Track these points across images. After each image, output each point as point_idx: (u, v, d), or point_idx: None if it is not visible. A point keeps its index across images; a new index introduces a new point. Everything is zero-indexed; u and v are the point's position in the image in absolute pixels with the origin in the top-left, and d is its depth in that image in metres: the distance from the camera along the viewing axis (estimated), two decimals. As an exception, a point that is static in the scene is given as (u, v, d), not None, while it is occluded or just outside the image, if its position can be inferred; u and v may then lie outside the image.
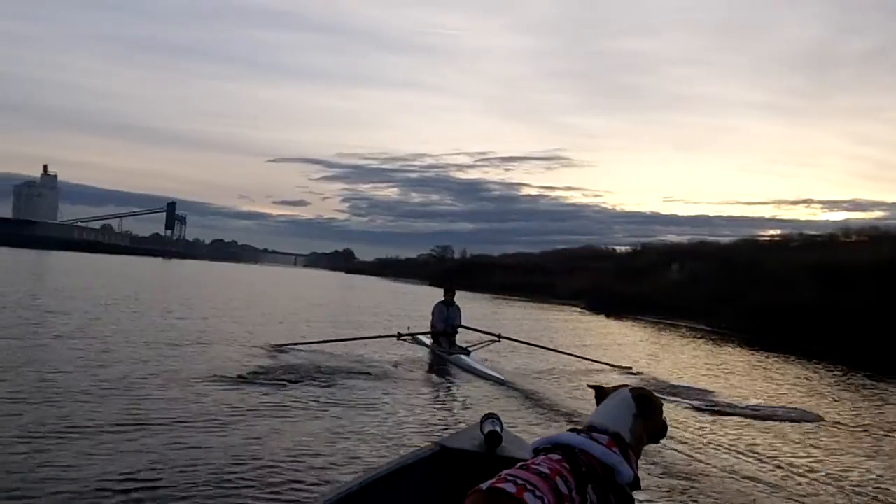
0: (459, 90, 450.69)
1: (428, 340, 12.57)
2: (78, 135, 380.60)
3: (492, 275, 66.46)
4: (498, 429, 3.26)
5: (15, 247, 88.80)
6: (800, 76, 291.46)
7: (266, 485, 4.60)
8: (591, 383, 2.74)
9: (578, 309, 38.72)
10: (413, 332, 12.57)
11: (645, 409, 2.34)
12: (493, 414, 3.44)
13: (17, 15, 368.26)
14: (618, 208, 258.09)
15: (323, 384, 8.44)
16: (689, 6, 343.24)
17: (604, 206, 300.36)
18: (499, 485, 1.91)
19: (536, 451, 2.21)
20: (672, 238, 77.33)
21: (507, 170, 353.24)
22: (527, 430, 6.62)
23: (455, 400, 8.59)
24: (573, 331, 22.31)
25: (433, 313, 12.43)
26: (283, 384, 8.22)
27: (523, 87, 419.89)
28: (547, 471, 1.99)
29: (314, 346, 11.49)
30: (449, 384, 9.63)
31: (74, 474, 4.48)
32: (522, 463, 2.08)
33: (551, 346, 13.65)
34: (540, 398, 8.82)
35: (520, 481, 1.91)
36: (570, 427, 2.36)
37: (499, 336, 12.64)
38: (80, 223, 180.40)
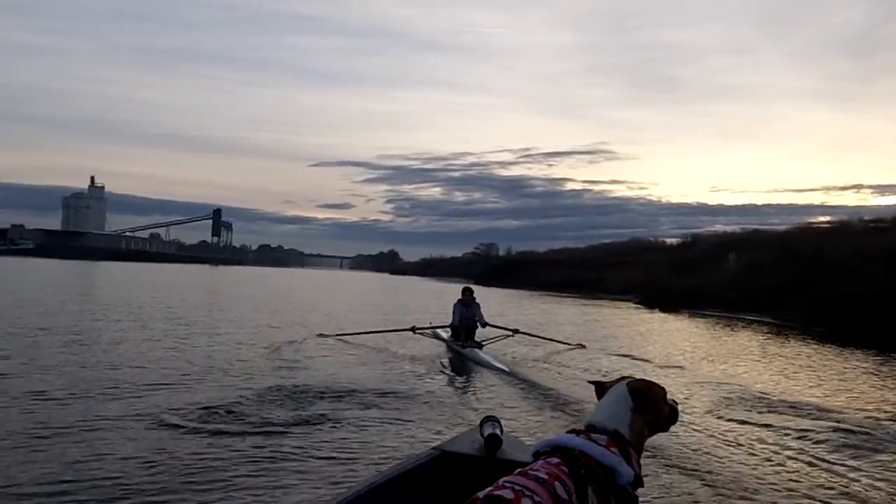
0: (500, 88, 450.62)
1: (445, 335, 13.40)
2: (124, 146, 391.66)
3: (538, 271, 65.43)
4: (498, 432, 3.21)
5: (65, 258, 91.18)
6: (845, 61, 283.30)
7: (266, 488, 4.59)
8: (590, 379, 2.60)
9: (632, 304, 37.19)
10: (428, 326, 13.79)
11: (642, 403, 2.21)
12: (493, 417, 3.40)
13: (59, 30, 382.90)
14: (663, 200, 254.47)
15: (329, 381, 8.67)
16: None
17: (649, 198, 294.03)
18: (497, 492, 1.90)
19: (536, 455, 2.17)
20: (720, 228, 74.69)
21: (551, 165, 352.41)
22: (526, 419, 7.09)
23: (462, 388, 9.10)
24: (642, 333, 20.36)
25: (452, 311, 13.05)
26: (286, 388, 8.18)
27: (564, 82, 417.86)
28: (545, 476, 1.97)
29: (332, 341, 13.06)
30: (458, 375, 10.19)
31: None
32: (521, 469, 2.05)
33: (558, 338, 14.57)
34: (541, 386, 9.18)
35: (517, 487, 1.90)
36: (568, 429, 2.22)
37: (514, 331, 13.24)
38: (127, 233, 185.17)
